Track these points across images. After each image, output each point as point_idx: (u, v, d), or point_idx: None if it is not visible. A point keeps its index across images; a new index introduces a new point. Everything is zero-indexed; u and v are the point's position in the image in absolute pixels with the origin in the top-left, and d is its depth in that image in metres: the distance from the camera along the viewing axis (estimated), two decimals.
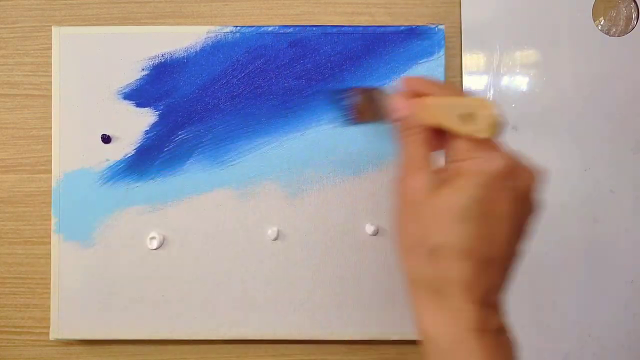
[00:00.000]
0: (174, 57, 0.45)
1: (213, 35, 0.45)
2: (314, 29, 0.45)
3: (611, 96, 0.46)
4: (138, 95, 0.45)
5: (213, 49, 0.45)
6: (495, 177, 0.29)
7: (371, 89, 0.40)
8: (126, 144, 0.44)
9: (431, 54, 0.44)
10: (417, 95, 0.33)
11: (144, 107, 0.45)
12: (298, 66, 0.45)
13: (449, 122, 0.31)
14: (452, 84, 0.40)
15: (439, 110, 0.32)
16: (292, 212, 0.44)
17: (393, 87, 0.39)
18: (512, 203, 0.29)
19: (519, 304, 0.45)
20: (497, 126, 0.30)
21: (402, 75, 0.44)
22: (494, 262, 0.29)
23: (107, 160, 0.44)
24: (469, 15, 0.47)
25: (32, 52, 0.47)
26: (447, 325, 0.28)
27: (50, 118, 0.45)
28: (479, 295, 0.28)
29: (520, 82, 0.46)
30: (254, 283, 0.44)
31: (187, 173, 0.44)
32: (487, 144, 0.30)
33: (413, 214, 0.30)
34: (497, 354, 0.28)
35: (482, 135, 0.30)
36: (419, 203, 0.30)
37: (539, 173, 0.30)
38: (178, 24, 0.47)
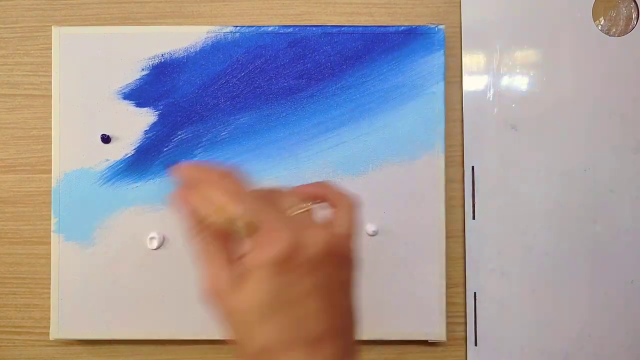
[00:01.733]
0: (174, 57, 0.45)
1: (213, 35, 0.45)
2: (314, 29, 0.45)
3: (611, 96, 0.46)
4: (138, 95, 0.45)
5: (213, 49, 0.45)
6: (278, 262, 0.27)
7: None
8: (126, 144, 0.44)
9: (431, 54, 0.44)
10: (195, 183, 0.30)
11: (144, 107, 0.45)
12: (298, 66, 0.45)
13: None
14: (227, 169, 0.31)
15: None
16: None
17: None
18: (310, 275, 0.27)
19: (519, 303, 0.45)
20: (251, 228, 0.28)
21: (402, 75, 0.44)
22: (323, 337, 0.27)
23: (107, 160, 0.44)
24: (469, 15, 0.47)
25: (32, 52, 0.47)
26: None
27: (50, 118, 0.45)
28: None
29: (520, 82, 0.46)
30: None
31: None
32: (262, 227, 0.28)
33: (225, 321, 0.28)
34: None
35: (242, 235, 0.28)
36: (226, 310, 0.28)
37: (333, 230, 0.29)
38: (178, 24, 0.47)
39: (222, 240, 0.29)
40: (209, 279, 0.29)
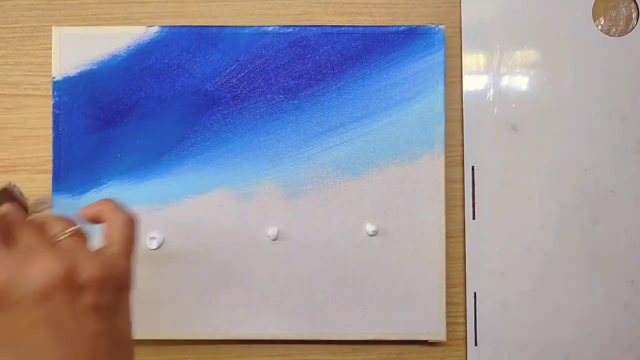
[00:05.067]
0: (174, 56, 0.45)
1: (213, 35, 0.45)
2: (314, 29, 0.45)
3: (611, 96, 0.46)
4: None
5: (213, 49, 0.45)
6: None
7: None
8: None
9: (431, 54, 0.44)
10: None
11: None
12: (298, 66, 0.45)
13: None
14: None
15: None
16: (292, 212, 0.44)
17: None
18: (34, 310, 0.25)
19: (519, 303, 0.45)
20: None
21: (402, 75, 0.44)
22: None
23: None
24: (469, 15, 0.47)
25: (32, 52, 0.47)
26: None
27: (50, 118, 0.45)
28: None
29: (520, 82, 0.46)
30: (254, 283, 0.44)
31: (187, 173, 0.44)
32: None
33: None
34: None
35: None
36: None
37: (66, 256, 0.26)
38: (178, 24, 0.47)
39: None
40: None
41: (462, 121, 0.46)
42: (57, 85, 0.44)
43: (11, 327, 0.25)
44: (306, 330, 0.44)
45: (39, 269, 0.25)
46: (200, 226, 0.44)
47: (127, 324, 0.29)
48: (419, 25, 0.45)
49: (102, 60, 0.45)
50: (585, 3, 0.46)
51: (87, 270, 0.26)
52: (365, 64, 0.44)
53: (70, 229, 0.29)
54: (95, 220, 0.31)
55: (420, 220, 0.44)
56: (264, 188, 0.44)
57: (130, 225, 0.30)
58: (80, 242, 0.29)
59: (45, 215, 0.29)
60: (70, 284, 0.26)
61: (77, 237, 0.29)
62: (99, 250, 0.29)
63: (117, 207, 0.30)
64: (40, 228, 0.28)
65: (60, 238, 0.28)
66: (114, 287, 0.28)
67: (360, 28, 0.45)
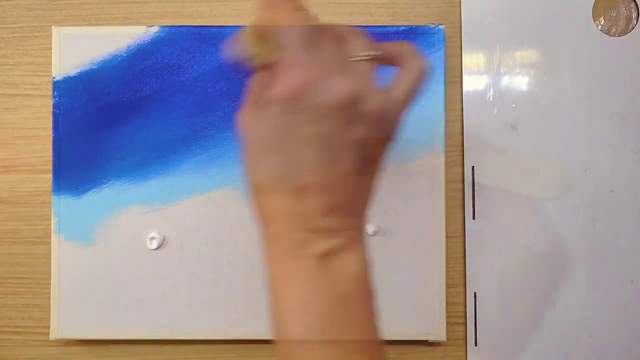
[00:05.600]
0: (174, 56, 0.45)
1: (213, 35, 0.45)
2: None
3: (611, 96, 0.46)
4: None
5: (213, 49, 0.45)
6: (286, 101, 0.26)
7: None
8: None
9: (431, 54, 0.44)
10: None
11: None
12: None
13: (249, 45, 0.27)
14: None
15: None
16: None
17: None
18: (315, 124, 0.26)
19: (519, 303, 0.45)
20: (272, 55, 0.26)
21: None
22: (310, 189, 0.27)
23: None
24: (469, 15, 0.47)
25: (32, 52, 0.47)
26: (271, 253, 0.28)
27: (50, 118, 0.45)
28: (295, 224, 0.27)
29: (520, 82, 0.46)
30: (254, 283, 0.44)
31: (187, 173, 0.44)
32: (285, 62, 0.26)
33: (241, 151, 0.29)
34: (318, 276, 0.27)
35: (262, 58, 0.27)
36: (243, 139, 0.28)
37: (358, 82, 0.27)
38: (178, 24, 0.47)
39: (268, 71, 0.28)
40: (242, 109, 0.28)
41: (462, 121, 0.46)
42: (57, 85, 0.44)
43: (289, 133, 0.26)
44: None
45: (334, 84, 0.26)
46: (200, 226, 0.44)
47: (374, 174, 0.29)
48: (419, 25, 0.45)
49: (102, 60, 0.45)
50: (585, 3, 0.46)
51: (370, 104, 0.27)
52: None
53: (370, 53, 0.28)
54: (389, 58, 0.30)
55: (420, 220, 0.44)
56: None
57: (421, 77, 0.29)
58: (370, 71, 0.28)
59: (346, 28, 0.29)
60: (350, 112, 0.26)
61: (369, 63, 0.28)
62: (384, 89, 0.28)
63: (416, 53, 0.29)
64: (340, 39, 0.28)
65: (357, 59, 0.28)
66: (383, 131, 0.28)
67: (360, 28, 0.45)
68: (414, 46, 0.30)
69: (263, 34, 0.27)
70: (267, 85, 0.27)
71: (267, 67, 0.27)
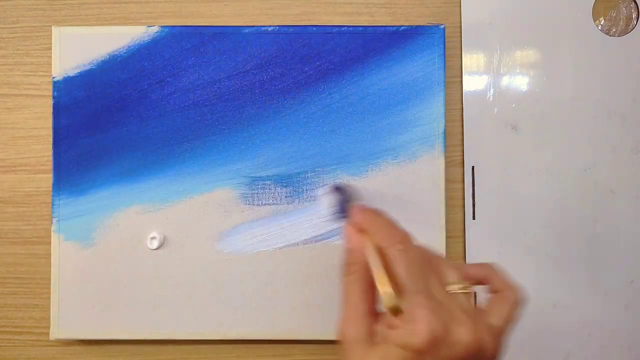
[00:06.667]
0: (174, 56, 0.45)
1: (213, 35, 0.45)
2: (314, 29, 0.45)
3: (611, 96, 0.46)
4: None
5: (213, 49, 0.45)
6: (417, 351, 0.26)
7: (344, 187, 0.41)
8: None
9: (431, 54, 0.44)
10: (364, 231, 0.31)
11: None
12: (298, 66, 0.45)
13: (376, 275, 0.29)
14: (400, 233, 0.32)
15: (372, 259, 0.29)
16: (292, 212, 0.44)
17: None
18: None
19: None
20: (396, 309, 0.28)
21: (402, 75, 0.44)
22: None
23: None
24: (469, 15, 0.47)
25: (32, 52, 0.47)
26: None
27: (50, 118, 0.45)
28: None
29: (520, 82, 0.46)
30: (253, 283, 0.44)
31: (187, 173, 0.44)
32: (415, 310, 0.27)
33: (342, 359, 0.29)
34: None
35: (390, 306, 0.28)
36: (345, 356, 0.29)
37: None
38: (178, 24, 0.47)
39: (370, 287, 0.29)
40: (342, 321, 0.30)
41: (462, 121, 0.46)
42: (57, 85, 0.44)
43: None
44: (306, 330, 0.44)
45: (459, 334, 0.27)
46: (200, 226, 0.44)
47: None
48: (419, 25, 0.45)
49: (102, 60, 0.45)
50: (585, 3, 0.46)
51: (459, 334, 0.27)
52: (365, 64, 0.44)
53: (466, 288, 0.29)
54: (477, 281, 0.31)
55: (420, 220, 0.44)
56: (264, 188, 0.44)
57: (519, 307, 0.30)
58: (467, 298, 0.29)
59: (436, 256, 0.31)
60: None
61: (466, 296, 0.29)
62: (480, 313, 0.29)
63: (508, 279, 0.31)
64: (436, 271, 0.29)
65: (455, 291, 0.29)
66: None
67: (360, 28, 0.45)
68: (500, 270, 0.31)
69: (395, 289, 0.28)
70: (388, 324, 0.28)
71: (396, 310, 0.28)
